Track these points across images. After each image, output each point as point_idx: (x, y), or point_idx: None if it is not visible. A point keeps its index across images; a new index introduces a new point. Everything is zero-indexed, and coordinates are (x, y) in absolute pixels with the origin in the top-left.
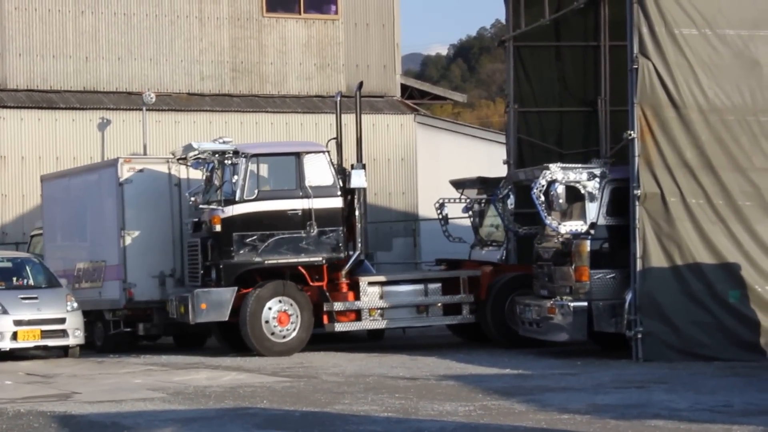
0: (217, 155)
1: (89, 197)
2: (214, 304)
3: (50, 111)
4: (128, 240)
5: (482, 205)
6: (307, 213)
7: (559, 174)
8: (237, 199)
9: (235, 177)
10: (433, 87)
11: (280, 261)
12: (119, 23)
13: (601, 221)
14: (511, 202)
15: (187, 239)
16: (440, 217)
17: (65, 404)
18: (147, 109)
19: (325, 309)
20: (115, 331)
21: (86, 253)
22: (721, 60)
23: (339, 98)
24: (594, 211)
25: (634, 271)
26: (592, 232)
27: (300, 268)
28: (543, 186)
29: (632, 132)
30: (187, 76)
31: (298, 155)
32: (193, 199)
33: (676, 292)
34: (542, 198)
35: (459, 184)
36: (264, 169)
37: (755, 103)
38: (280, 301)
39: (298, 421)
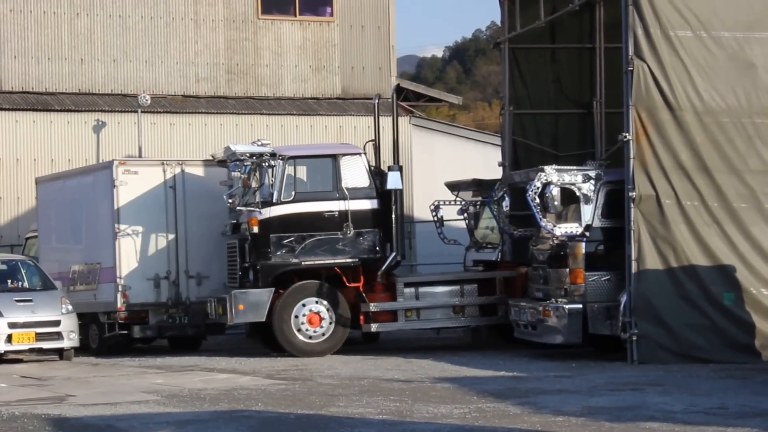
0: (254, 157)
1: (84, 199)
2: (251, 305)
3: (45, 113)
4: (123, 242)
5: (477, 207)
6: (343, 214)
7: (554, 176)
8: (274, 200)
9: (273, 179)
10: (429, 89)
11: (316, 262)
12: (114, 25)
13: (596, 223)
14: (506, 204)
15: (226, 241)
16: (435, 219)
17: (60, 407)
18: (142, 111)
19: (361, 310)
20: (110, 334)
21: (81, 255)
22: (716, 62)
23: (377, 101)
24: (589, 213)
25: (628, 273)
26: (587, 234)
27: (336, 269)
28: (538, 188)
29: (627, 134)
30: (182, 78)
31: (334, 157)
32: (230, 200)
33: (671, 294)
34: (537, 200)
35: (454, 186)
36: (301, 171)
37: (750, 105)
38: (313, 302)
39: (293, 423)
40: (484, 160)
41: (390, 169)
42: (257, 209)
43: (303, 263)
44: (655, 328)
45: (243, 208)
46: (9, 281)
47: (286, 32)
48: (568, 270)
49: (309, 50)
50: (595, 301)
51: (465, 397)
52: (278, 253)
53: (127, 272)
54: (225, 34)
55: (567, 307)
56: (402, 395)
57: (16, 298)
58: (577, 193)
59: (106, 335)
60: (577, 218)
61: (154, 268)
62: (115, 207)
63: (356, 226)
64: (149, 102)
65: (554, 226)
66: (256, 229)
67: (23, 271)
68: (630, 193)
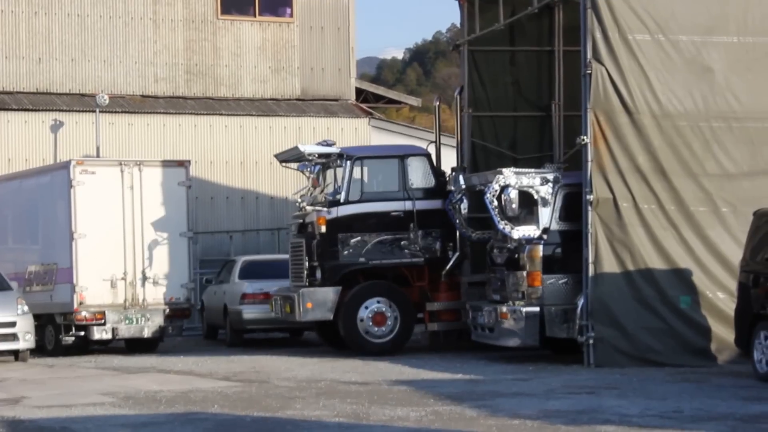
0: (322, 158)
1: (41, 199)
2: (319, 303)
3: (2, 112)
4: (80, 243)
5: None
6: (409, 214)
7: (512, 179)
8: (342, 200)
9: (340, 179)
10: (388, 91)
11: (383, 261)
12: (73, 24)
13: (554, 226)
14: (464, 206)
15: (291, 239)
16: None
17: (14, 409)
18: (100, 111)
19: (426, 308)
20: (67, 335)
21: (38, 255)
22: (674, 66)
23: (438, 103)
24: (547, 216)
25: (586, 276)
26: (545, 237)
27: (402, 268)
28: (496, 191)
29: (585, 137)
30: (141, 78)
31: (401, 158)
32: (299, 200)
33: (628, 297)
34: (495, 203)
35: None
36: (368, 172)
37: (707, 109)
38: (377, 302)
39: (249, 426)
40: (444, 162)
41: (454, 170)
42: (325, 209)
43: (370, 262)
44: (612, 331)
45: (310, 208)
46: None
47: (246, 33)
48: (525, 273)
49: (268, 51)
50: (552, 304)
51: (422, 400)
52: (345, 252)
53: (83, 273)
54: (184, 34)
55: (524, 309)
56: (359, 398)
57: None
58: (535, 196)
59: (63, 336)
60: (535, 221)
61: (111, 269)
62: (72, 207)
63: (421, 225)
64: (107, 102)
65: (512, 228)
66: (323, 229)
67: None
68: (588, 197)
